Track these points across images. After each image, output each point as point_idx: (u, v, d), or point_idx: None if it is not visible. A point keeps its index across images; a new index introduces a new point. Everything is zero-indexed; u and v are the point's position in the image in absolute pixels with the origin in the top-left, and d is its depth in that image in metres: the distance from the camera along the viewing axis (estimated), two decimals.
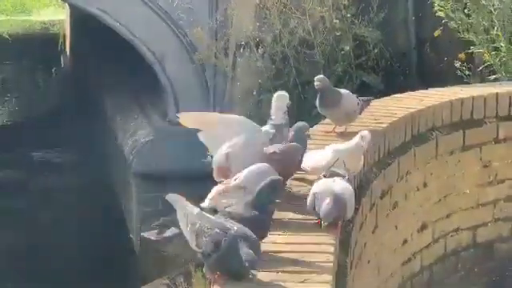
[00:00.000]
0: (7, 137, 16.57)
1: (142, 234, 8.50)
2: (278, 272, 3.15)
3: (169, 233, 4.84)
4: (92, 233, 10.03)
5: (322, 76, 5.02)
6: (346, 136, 4.59)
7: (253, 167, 3.60)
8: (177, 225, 3.42)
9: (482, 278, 5.68)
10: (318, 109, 4.99)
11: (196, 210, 3.26)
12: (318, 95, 5.00)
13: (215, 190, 3.66)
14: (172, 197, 3.32)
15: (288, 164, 3.76)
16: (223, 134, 3.78)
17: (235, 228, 3.11)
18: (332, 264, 3.33)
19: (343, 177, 3.64)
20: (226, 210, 3.35)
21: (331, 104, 4.99)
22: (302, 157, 3.87)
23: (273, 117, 4.14)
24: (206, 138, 3.82)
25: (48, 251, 10.15)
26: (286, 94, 4.33)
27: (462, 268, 5.62)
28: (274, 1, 7.89)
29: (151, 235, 7.84)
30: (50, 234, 10.64)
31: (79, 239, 10.21)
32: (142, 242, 8.16)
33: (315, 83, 4.99)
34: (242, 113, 8.05)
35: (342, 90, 5.10)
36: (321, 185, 3.61)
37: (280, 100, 4.24)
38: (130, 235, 9.19)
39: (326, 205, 3.45)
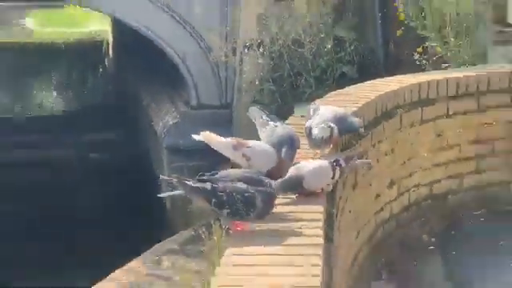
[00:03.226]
0: (63, 122, 16.62)
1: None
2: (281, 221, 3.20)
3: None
4: (134, 192, 10.17)
5: None
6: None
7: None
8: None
9: (438, 222, 5.68)
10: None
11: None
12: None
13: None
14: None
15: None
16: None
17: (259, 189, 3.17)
18: (322, 214, 3.35)
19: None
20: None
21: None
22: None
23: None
24: (206, 140, 3.64)
25: (98, 205, 10.48)
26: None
27: (422, 215, 5.68)
28: (272, 10, 7.95)
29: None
30: (99, 193, 10.71)
31: (123, 197, 10.42)
32: (171, 200, 8.13)
33: None
34: (248, 98, 8.28)
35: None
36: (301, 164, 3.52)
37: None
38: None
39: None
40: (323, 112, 3.95)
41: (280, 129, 3.72)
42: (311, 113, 4.02)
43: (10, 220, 10.25)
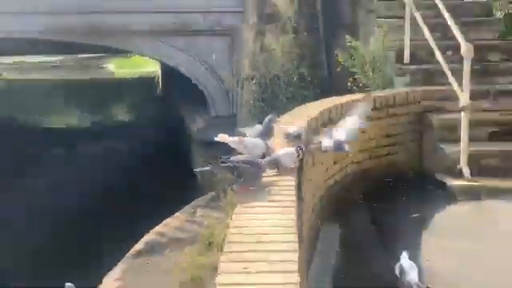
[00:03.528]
0: (130, 128, 16.60)
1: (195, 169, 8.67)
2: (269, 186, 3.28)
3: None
4: (176, 169, 9.96)
5: None
6: None
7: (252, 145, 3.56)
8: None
9: (364, 186, 5.66)
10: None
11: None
12: None
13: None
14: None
15: None
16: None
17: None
18: (294, 181, 3.41)
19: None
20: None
21: None
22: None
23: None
24: (221, 139, 3.58)
25: (154, 179, 10.02)
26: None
27: (355, 182, 5.60)
28: (260, 57, 7.98)
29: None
30: (154, 172, 10.55)
31: (169, 173, 10.03)
32: (201, 174, 8.01)
33: None
34: (246, 111, 8.08)
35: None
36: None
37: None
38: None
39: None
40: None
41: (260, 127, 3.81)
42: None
43: (100, 193, 10.08)
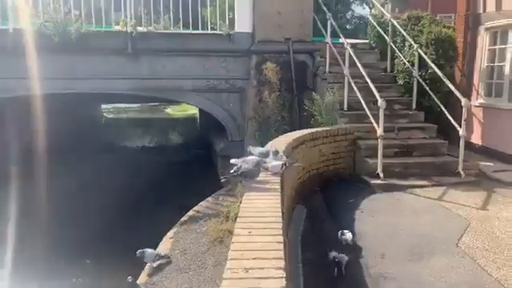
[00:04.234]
0: (179, 148, 16.45)
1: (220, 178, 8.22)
2: (263, 183, 3.24)
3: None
4: (206, 174, 9.39)
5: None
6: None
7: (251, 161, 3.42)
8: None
9: (320, 182, 5.48)
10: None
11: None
12: None
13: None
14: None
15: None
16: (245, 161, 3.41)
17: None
18: (279, 181, 3.40)
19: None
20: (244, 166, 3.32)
21: None
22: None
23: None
24: (233, 161, 3.39)
25: (195, 179, 9.47)
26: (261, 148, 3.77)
27: (314, 180, 5.44)
28: (258, 105, 7.79)
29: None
30: (194, 174, 10.15)
31: (200, 175, 9.57)
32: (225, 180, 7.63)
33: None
34: (250, 138, 7.54)
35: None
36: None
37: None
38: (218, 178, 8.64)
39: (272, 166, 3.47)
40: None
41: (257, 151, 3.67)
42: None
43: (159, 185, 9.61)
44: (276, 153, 3.71)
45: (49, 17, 7.62)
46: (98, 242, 6.33)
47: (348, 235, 3.77)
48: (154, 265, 3.79)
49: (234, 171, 3.27)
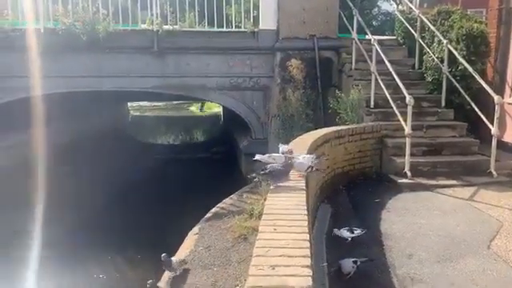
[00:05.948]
0: (203, 145, 16.55)
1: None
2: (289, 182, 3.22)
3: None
4: (231, 170, 9.60)
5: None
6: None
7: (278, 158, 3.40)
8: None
9: (345, 181, 5.40)
10: None
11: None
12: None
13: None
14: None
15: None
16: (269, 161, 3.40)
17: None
18: (304, 180, 3.38)
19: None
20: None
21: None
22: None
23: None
24: (258, 157, 3.40)
25: (218, 174, 9.58)
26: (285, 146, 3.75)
27: (339, 178, 5.43)
28: (281, 102, 7.73)
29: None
30: (217, 169, 10.27)
31: (226, 171, 9.71)
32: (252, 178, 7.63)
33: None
34: (273, 136, 7.64)
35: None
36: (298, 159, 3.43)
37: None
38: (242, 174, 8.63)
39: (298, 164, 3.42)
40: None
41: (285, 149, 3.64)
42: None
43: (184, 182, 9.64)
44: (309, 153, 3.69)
45: (78, 16, 7.82)
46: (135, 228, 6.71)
47: (345, 233, 3.70)
48: (177, 273, 3.68)
49: (262, 170, 3.27)
